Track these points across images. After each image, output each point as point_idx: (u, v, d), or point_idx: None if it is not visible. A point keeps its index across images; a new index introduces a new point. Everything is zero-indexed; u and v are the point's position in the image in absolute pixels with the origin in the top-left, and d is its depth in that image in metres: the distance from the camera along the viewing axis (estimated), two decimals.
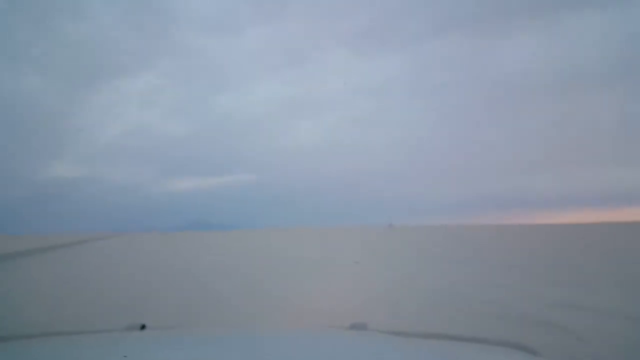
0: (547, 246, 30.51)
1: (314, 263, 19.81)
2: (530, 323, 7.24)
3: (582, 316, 7.68)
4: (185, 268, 18.80)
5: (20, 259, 27.33)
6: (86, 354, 1.25)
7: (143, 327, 1.71)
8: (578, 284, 11.58)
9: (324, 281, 13.38)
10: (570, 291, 10.30)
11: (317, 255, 25.11)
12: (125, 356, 1.22)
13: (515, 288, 11.05)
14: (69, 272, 18.47)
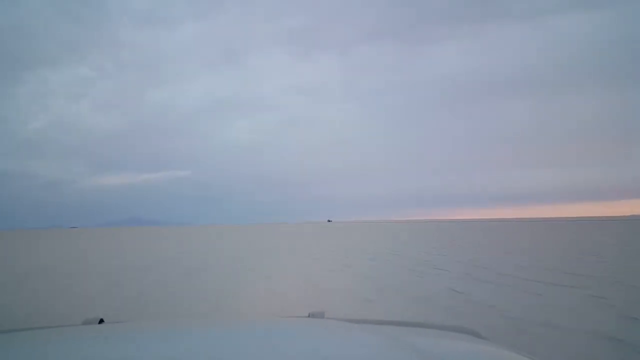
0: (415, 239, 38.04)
1: (238, 257, 21.43)
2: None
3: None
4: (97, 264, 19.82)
5: None
6: (46, 349, 1.25)
7: (101, 321, 1.71)
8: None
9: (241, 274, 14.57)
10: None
11: (245, 248, 26.22)
12: None
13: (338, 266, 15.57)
14: None
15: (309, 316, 1.81)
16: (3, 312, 9.33)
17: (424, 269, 15.14)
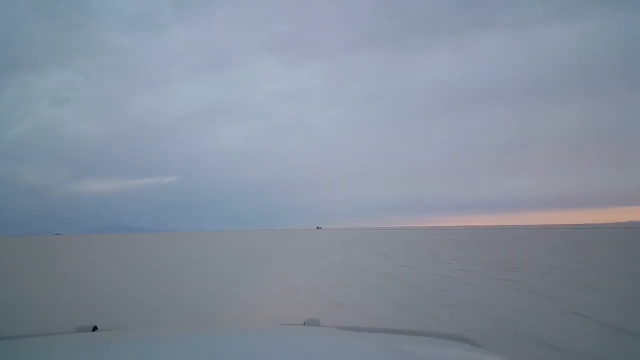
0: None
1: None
2: None
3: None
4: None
5: None
6: (39, 358, 1.24)
7: (95, 328, 1.70)
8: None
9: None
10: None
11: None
12: None
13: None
14: None
15: (304, 324, 1.80)
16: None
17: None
